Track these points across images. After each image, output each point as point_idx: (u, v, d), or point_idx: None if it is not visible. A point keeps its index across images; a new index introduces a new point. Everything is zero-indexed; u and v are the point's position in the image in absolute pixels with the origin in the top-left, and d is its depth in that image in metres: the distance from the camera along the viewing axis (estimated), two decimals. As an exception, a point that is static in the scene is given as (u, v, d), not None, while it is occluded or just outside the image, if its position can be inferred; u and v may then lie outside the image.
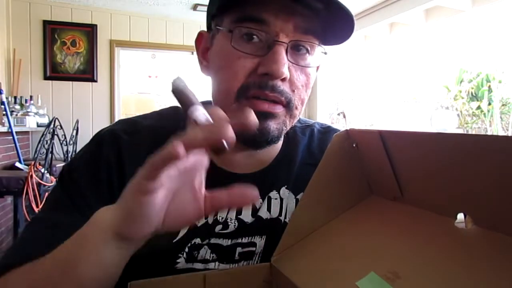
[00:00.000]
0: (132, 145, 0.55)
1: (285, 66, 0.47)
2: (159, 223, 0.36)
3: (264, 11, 0.47)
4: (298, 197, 0.60)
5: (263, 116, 0.49)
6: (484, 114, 4.95)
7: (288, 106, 0.51)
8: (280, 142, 0.62)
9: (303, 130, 0.65)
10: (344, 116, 4.83)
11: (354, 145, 0.49)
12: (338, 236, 0.47)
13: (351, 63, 5.37)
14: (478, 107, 4.99)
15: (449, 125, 4.63)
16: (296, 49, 0.50)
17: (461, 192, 0.36)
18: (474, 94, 5.07)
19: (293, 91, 0.51)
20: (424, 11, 3.48)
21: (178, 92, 0.36)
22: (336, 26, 0.50)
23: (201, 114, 0.35)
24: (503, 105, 4.98)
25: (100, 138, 0.56)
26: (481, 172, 0.33)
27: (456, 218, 0.37)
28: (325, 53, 0.54)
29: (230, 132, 0.33)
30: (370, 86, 5.60)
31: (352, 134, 0.49)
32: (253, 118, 0.36)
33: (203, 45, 0.58)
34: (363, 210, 0.49)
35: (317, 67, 0.60)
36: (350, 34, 0.51)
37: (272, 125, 0.50)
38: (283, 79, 0.49)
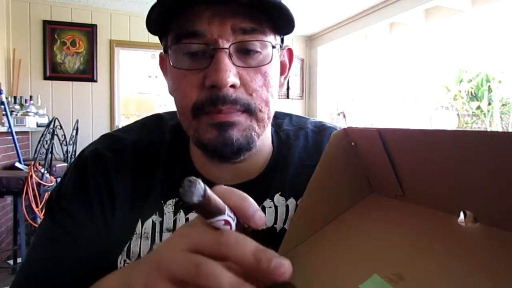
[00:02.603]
0: (118, 163, 0.53)
1: (229, 73, 0.44)
2: None
3: (196, 22, 0.45)
4: (297, 200, 0.58)
5: (222, 127, 0.47)
6: (484, 114, 4.95)
7: (248, 111, 0.48)
8: (269, 149, 0.59)
9: (296, 133, 0.63)
10: (344, 116, 4.83)
11: (352, 144, 0.49)
12: (340, 237, 0.47)
13: (351, 63, 5.37)
14: (478, 107, 4.99)
15: (449, 125, 4.63)
16: (243, 52, 0.47)
17: (463, 189, 0.36)
18: (474, 94, 5.07)
19: (251, 94, 0.48)
20: (424, 11, 3.48)
21: (200, 207, 0.28)
22: (275, 17, 0.48)
23: (221, 222, 0.29)
24: (503, 105, 4.99)
25: (84, 161, 0.54)
26: (482, 168, 0.33)
27: (459, 216, 0.37)
28: (274, 46, 0.50)
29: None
30: (370, 86, 5.60)
31: (350, 132, 0.48)
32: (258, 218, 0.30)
33: (165, 66, 0.56)
34: (364, 210, 0.49)
35: (290, 56, 0.58)
36: (290, 24, 0.48)
37: (235, 133, 0.47)
38: (233, 86, 0.46)
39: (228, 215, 0.29)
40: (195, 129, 0.49)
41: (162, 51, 0.56)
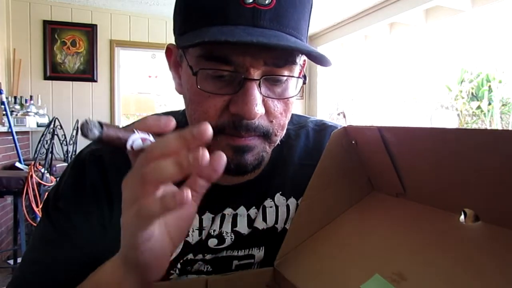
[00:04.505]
0: (116, 163, 0.52)
1: (258, 106, 0.43)
2: (169, 251, 0.36)
3: (230, 50, 0.43)
4: (298, 200, 0.58)
5: (240, 150, 0.47)
6: (484, 114, 4.95)
7: (265, 136, 0.48)
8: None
9: (297, 131, 0.62)
10: (344, 116, 4.83)
11: (353, 142, 0.48)
12: (342, 237, 0.47)
13: (351, 63, 5.37)
14: (478, 107, 4.99)
15: (449, 125, 4.62)
16: (271, 80, 0.46)
17: (464, 187, 0.36)
18: (474, 94, 5.07)
19: (271, 121, 0.48)
20: (424, 11, 3.48)
21: (102, 139, 0.29)
22: (311, 58, 0.47)
23: (138, 141, 0.32)
24: (503, 105, 4.98)
25: (82, 161, 0.54)
26: (483, 166, 0.33)
27: (460, 213, 0.37)
28: (304, 81, 0.50)
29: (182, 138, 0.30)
30: (370, 86, 5.60)
31: (350, 131, 0.48)
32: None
33: (174, 60, 0.54)
34: (365, 208, 0.49)
35: (303, 65, 0.57)
36: (327, 66, 0.47)
37: (249, 158, 0.48)
38: None
39: (140, 133, 0.32)
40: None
41: (168, 45, 0.54)
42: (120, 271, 0.37)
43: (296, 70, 0.47)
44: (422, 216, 0.41)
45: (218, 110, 0.45)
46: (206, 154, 0.29)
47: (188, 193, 0.29)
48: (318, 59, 0.45)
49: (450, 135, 0.35)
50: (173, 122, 0.33)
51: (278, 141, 0.51)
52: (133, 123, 0.33)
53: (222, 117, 0.46)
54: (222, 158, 0.32)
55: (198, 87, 0.45)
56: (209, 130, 0.30)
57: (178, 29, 0.48)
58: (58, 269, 0.50)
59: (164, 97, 7.22)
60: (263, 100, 0.45)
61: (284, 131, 0.51)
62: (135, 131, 0.32)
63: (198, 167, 0.29)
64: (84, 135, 0.28)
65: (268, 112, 0.47)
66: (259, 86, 0.44)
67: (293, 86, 0.48)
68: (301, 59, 0.48)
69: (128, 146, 0.31)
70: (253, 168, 0.49)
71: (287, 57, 0.45)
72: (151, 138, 0.32)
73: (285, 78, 0.46)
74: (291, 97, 0.48)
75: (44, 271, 0.50)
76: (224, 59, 0.43)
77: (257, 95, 0.43)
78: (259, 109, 0.44)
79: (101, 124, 0.29)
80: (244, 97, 0.43)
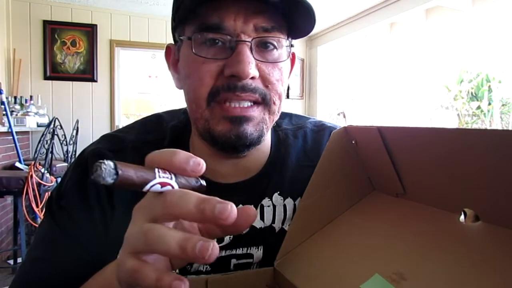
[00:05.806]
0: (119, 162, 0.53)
1: (250, 65, 0.46)
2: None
3: (221, 17, 0.46)
4: (295, 200, 0.59)
5: (238, 120, 0.48)
6: (484, 114, 4.95)
7: (264, 101, 0.49)
8: (268, 147, 0.60)
9: (295, 132, 0.63)
10: (344, 116, 4.83)
11: (353, 142, 0.48)
12: (341, 237, 0.47)
13: (351, 63, 5.37)
14: (478, 107, 4.99)
15: (449, 125, 4.62)
16: (262, 46, 0.49)
17: (464, 187, 0.36)
18: (474, 94, 5.07)
19: (267, 86, 0.49)
20: (424, 11, 3.48)
21: (120, 184, 0.26)
22: (297, 19, 0.49)
23: (157, 186, 0.28)
24: (503, 105, 4.98)
25: (84, 161, 0.55)
26: (483, 166, 0.33)
27: (460, 213, 0.37)
28: (292, 45, 0.53)
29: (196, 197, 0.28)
30: (370, 86, 5.60)
31: (350, 131, 0.48)
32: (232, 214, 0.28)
33: (172, 58, 0.57)
34: (365, 208, 0.49)
35: (293, 60, 0.58)
36: (312, 26, 0.50)
37: (249, 128, 0.49)
38: (252, 78, 0.48)
39: (162, 177, 0.28)
40: (207, 119, 0.49)
41: (168, 44, 0.56)
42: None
43: (283, 40, 0.50)
44: (422, 216, 0.41)
45: (213, 75, 0.48)
46: (215, 253, 0.26)
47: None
48: (305, 15, 0.48)
49: (450, 135, 0.35)
50: (202, 168, 0.30)
51: (276, 113, 0.53)
52: (155, 153, 0.30)
53: (217, 82, 0.48)
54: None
55: (193, 51, 0.48)
56: (233, 214, 0.27)
57: (176, 21, 0.52)
58: (61, 267, 0.50)
59: (164, 97, 7.23)
60: (257, 65, 0.48)
61: (281, 103, 0.53)
62: (156, 172, 0.28)
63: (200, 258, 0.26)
64: (96, 180, 0.24)
65: (263, 77, 0.49)
66: (251, 49, 0.47)
67: (284, 54, 0.51)
68: (289, 42, 0.52)
69: (145, 190, 0.28)
70: (253, 140, 0.49)
71: (274, 23, 0.48)
72: (172, 182, 0.29)
73: (274, 43, 0.49)
74: (282, 61, 0.51)
75: (47, 269, 0.50)
76: (217, 27, 0.47)
77: (249, 55, 0.46)
78: (252, 69, 0.47)
79: (116, 170, 0.25)
80: (237, 57, 0.46)
